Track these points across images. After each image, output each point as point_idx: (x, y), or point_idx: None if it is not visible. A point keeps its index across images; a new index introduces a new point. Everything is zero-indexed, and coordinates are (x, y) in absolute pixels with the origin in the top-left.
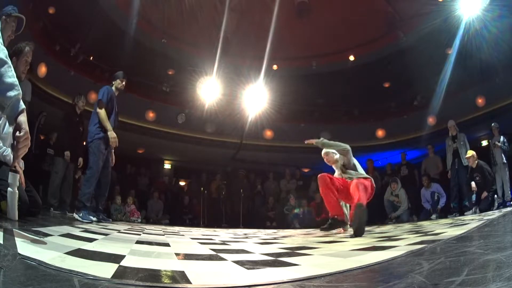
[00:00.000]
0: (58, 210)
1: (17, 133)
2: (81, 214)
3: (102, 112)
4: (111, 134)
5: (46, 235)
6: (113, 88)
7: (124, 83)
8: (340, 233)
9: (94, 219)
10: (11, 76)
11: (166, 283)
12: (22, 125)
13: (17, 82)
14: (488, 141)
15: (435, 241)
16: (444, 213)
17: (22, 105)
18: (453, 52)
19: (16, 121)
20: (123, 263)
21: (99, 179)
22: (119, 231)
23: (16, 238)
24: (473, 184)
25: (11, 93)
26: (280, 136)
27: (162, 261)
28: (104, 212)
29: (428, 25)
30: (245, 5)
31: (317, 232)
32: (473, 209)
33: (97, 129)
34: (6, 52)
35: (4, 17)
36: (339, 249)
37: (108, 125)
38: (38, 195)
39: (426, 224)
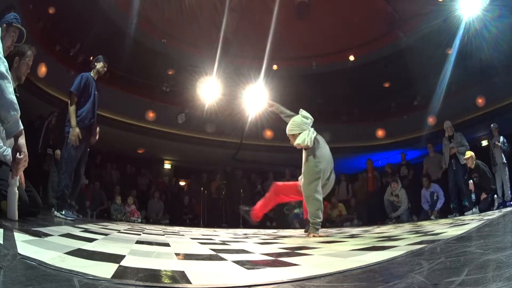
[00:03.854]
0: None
1: (17, 155)
2: (63, 212)
3: (71, 107)
4: (73, 131)
5: (46, 235)
6: (93, 72)
7: (106, 67)
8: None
9: (75, 216)
10: (11, 93)
11: (166, 283)
12: (22, 148)
13: (16, 101)
14: (488, 141)
15: (435, 241)
16: (444, 213)
17: (21, 126)
18: (453, 52)
19: (16, 142)
20: (123, 263)
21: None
22: (119, 231)
23: (16, 238)
24: (470, 182)
25: (12, 112)
26: (280, 136)
27: (162, 261)
28: (75, 208)
29: (428, 25)
30: (245, 5)
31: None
32: (473, 209)
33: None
34: (7, 64)
35: (5, 25)
36: (339, 249)
37: (74, 121)
38: (38, 195)
39: (426, 224)
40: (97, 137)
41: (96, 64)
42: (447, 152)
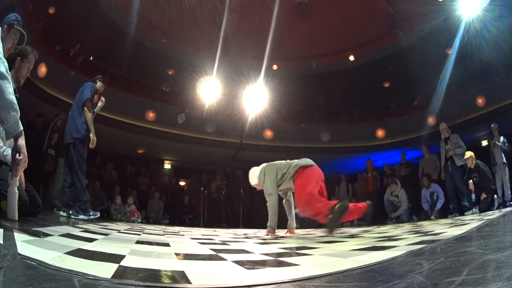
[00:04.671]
0: (60, 210)
1: (17, 156)
2: (91, 213)
3: (90, 114)
4: (93, 137)
5: (46, 235)
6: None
7: (104, 88)
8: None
9: (64, 213)
10: (11, 93)
11: (166, 283)
12: (22, 149)
13: (16, 101)
14: (488, 141)
15: (435, 241)
16: (444, 213)
17: (21, 126)
18: (453, 52)
19: (16, 143)
20: (123, 263)
21: (70, 174)
22: (119, 231)
23: (16, 238)
24: (470, 182)
25: (12, 112)
26: (280, 136)
27: (162, 261)
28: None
29: (428, 25)
30: (245, 5)
31: (317, 232)
32: (473, 209)
33: (85, 125)
34: (7, 64)
35: (6, 26)
36: (339, 249)
37: (93, 127)
38: (38, 195)
39: (426, 224)
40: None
41: (97, 81)
42: (444, 154)
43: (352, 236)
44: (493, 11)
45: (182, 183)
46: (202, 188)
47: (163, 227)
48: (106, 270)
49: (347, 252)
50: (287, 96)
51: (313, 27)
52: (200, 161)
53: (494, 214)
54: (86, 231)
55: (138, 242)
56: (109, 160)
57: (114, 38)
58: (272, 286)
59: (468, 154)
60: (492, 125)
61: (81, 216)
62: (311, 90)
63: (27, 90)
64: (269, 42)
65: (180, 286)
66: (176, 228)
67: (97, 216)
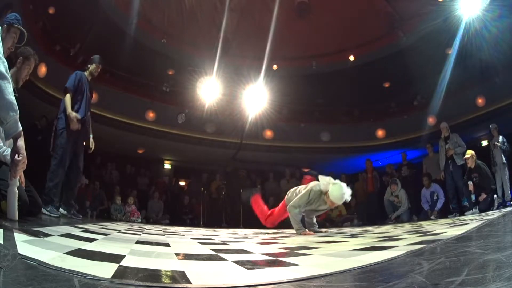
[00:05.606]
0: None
1: (16, 157)
2: (48, 208)
3: (66, 97)
4: (71, 113)
5: (46, 235)
6: (87, 73)
7: (99, 69)
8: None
9: (65, 212)
10: (10, 93)
11: (166, 283)
12: (21, 150)
13: (15, 102)
14: (488, 142)
15: (435, 241)
16: (444, 213)
17: (20, 127)
18: (453, 52)
19: (15, 144)
20: (123, 263)
21: (66, 172)
22: (119, 231)
23: (16, 238)
24: (470, 183)
25: (11, 113)
26: (280, 136)
27: (162, 261)
28: (75, 208)
29: (428, 25)
30: (245, 5)
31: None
32: (472, 209)
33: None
34: (7, 64)
35: (6, 25)
36: (339, 249)
37: (69, 107)
38: (38, 195)
39: (426, 224)
40: (92, 147)
41: (89, 66)
42: (443, 153)
43: (352, 236)
44: (493, 11)
45: (182, 183)
46: (202, 188)
47: (163, 227)
48: (106, 270)
49: (347, 252)
50: (287, 96)
51: (313, 27)
52: (200, 161)
53: (494, 214)
54: (86, 231)
55: (138, 242)
56: (109, 160)
57: (114, 38)
58: (272, 286)
59: (469, 153)
60: (491, 126)
61: (42, 209)
62: (311, 90)
63: (27, 90)
64: (269, 42)
65: (180, 286)
66: (176, 228)
67: (56, 216)
